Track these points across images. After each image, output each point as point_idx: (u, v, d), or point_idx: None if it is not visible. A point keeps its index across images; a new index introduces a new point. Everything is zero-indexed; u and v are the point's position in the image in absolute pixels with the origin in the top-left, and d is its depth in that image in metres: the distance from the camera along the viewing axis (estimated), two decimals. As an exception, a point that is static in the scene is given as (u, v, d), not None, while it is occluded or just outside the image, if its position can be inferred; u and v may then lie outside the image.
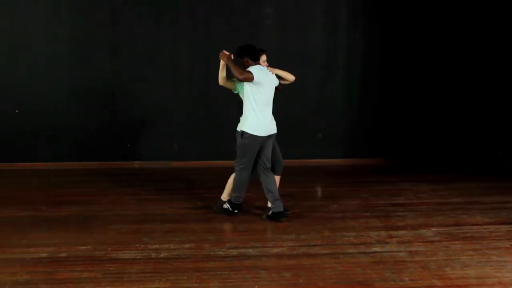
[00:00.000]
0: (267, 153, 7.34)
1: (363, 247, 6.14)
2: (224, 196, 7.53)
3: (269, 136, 7.30)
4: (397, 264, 5.66)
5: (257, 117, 7.14)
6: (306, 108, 10.91)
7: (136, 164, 10.60)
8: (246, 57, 7.22)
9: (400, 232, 6.67)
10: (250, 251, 5.99)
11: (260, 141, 7.17)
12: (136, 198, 8.19)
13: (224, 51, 7.13)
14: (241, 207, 7.43)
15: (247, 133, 7.10)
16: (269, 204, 7.37)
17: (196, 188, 8.81)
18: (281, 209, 7.19)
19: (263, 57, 7.39)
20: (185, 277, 5.26)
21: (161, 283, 5.14)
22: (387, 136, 11.13)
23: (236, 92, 7.55)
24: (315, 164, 10.83)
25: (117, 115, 10.50)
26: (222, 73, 7.26)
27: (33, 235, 6.48)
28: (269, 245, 6.16)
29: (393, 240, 6.38)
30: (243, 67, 7.11)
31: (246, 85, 7.08)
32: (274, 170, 7.54)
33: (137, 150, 10.64)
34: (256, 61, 7.24)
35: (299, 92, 10.77)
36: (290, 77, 7.61)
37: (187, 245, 6.15)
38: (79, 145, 10.52)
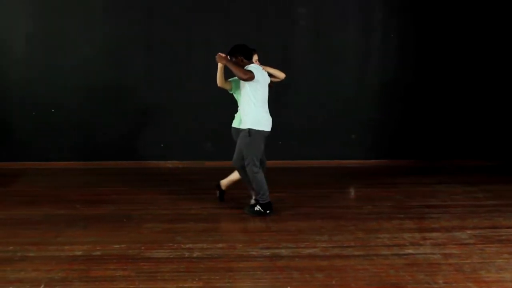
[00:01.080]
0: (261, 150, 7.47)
1: (396, 249, 6.09)
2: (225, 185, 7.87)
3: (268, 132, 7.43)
4: (431, 266, 5.60)
5: (260, 113, 7.29)
6: (340, 108, 10.87)
7: (170, 164, 10.67)
8: (240, 56, 7.34)
9: (434, 234, 6.61)
10: (283, 251, 5.98)
11: (265, 136, 7.35)
12: (170, 198, 8.24)
13: (220, 53, 7.22)
14: (272, 207, 7.41)
15: (254, 129, 7.23)
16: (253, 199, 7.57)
17: (230, 188, 8.81)
18: (268, 199, 7.40)
19: (255, 57, 7.59)
20: (218, 277, 5.27)
21: (194, 282, 5.16)
22: (421, 137, 11.03)
23: (231, 92, 7.70)
24: (348, 165, 10.78)
25: (150, 116, 10.59)
26: (221, 75, 7.40)
27: (68, 233, 6.56)
28: (302, 246, 6.15)
29: (427, 242, 6.32)
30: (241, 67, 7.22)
31: (246, 84, 7.21)
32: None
33: (171, 150, 10.71)
34: (250, 60, 7.39)
35: (333, 92, 10.76)
36: (281, 75, 7.81)
37: (220, 245, 6.16)
38: (114, 144, 10.62)
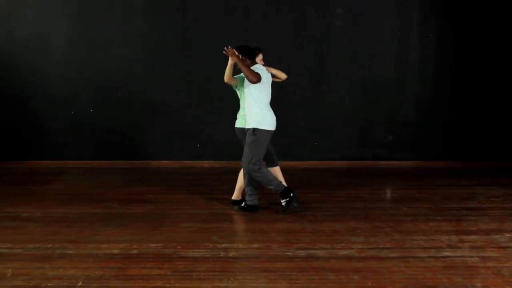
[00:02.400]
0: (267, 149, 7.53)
1: (433, 251, 6.03)
2: (237, 195, 7.75)
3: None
4: (469, 269, 5.53)
5: (265, 113, 7.37)
6: (377, 109, 10.80)
7: (206, 163, 10.72)
8: (244, 56, 7.36)
9: (472, 237, 6.52)
10: (319, 252, 5.96)
11: (270, 136, 7.41)
12: (206, 197, 8.28)
13: (233, 50, 7.23)
14: (295, 191, 7.43)
15: (259, 129, 7.28)
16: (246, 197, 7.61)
17: (265, 188, 8.80)
18: (256, 203, 7.45)
19: (260, 56, 7.64)
20: (253, 277, 5.28)
21: (229, 282, 5.17)
22: (459, 138, 10.90)
23: (235, 89, 7.69)
24: (385, 166, 10.70)
25: (187, 115, 10.65)
26: (230, 71, 7.39)
27: (105, 232, 6.63)
28: (338, 247, 6.12)
29: (464, 245, 6.24)
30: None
31: (250, 84, 7.26)
32: (273, 163, 7.78)
33: (206, 149, 10.76)
34: (253, 60, 7.48)
35: (370, 93, 10.71)
36: (282, 76, 7.86)
37: (256, 245, 6.17)
38: (151, 144, 10.72)
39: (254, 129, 7.29)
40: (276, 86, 10.59)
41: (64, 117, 10.64)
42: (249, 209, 7.46)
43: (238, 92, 7.70)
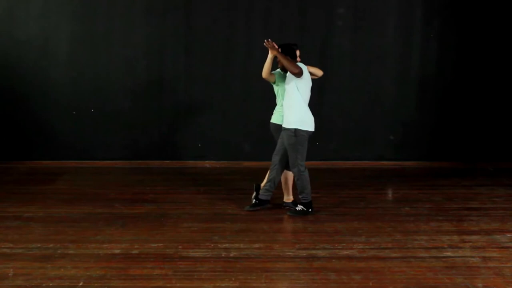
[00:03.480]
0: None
1: (435, 251, 6.04)
2: (288, 197, 7.68)
3: None
4: (470, 269, 5.53)
5: (306, 112, 7.30)
6: (379, 109, 10.79)
7: (208, 163, 10.72)
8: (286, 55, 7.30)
9: (474, 237, 6.52)
10: (320, 252, 5.97)
11: (309, 137, 7.33)
12: (207, 197, 8.28)
13: (273, 43, 7.19)
14: (313, 209, 7.43)
15: (301, 129, 7.21)
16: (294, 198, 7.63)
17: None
18: (268, 198, 7.50)
19: (297, 52, 7.49)
20: (254, 277, 5.28)
21: (231, 282, 5.18)
22: (461, 138, 10.88)
23: (274, 85, 7.58)
24: (387, 167, 10.69)
25: (189, 115, 10.65)
26: (269, 66, 7.34)
27: (107, 232, 6.64)
28: (339, 247, 6.12)
29: (466, 245, 6.24)
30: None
31: (293, 81, 7.19)
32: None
33: (209, 149, 10.75)
34: (295, 59, 7.35)
35: (372, 93, 10.70)
36: (319, 73, 7.73)
37: (257, 245, 6.18)
38: (153, 144, 10.72)
39: (296, 130, 7.21)
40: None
41: (66, 117, 10.63)
42: (307, 206, 7.38)
43: (275, 89, 7.62)
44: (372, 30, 10.68)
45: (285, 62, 7.10)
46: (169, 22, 10.55)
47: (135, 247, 6.11)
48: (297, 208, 7.43)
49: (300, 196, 7.42)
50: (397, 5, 10.66)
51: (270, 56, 7.27)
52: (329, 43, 10.73)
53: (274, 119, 7.63)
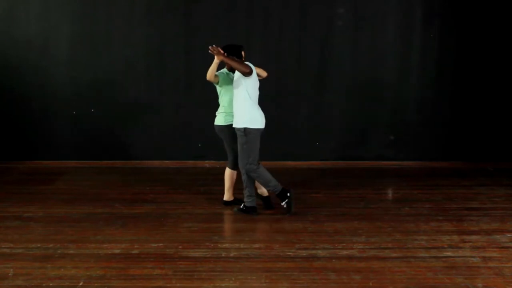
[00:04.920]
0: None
1: (434, 251, 6.04)
2: (228, 197, 7.73)
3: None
4: (470, 269, 5.54)
5: (255, 110, 7.33)
6: (379, 109, 10.78)
7: (208, 163, 10.72)
8: (231, 55, 7.37)
9: (474, 237, 6.53)
10: (320, 252, 5.97)
11: (260, 134, 7.35)
12: (207, 197, 8.27)
13: (219, 48, 7.23)
14: (291, 192, 7.41)
15: (251, 128, 7.22)
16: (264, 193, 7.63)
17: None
18: (254, 205, 7.40)
19: (243, 53, 7.58)
20: (254, 277, 5.29)
21: (231, 282, 5.18)
22: (461, 138, 10.87)
23: (218, 86, 7.57)
24: (387, 166, 10.68)
25: (189, 117, 10.65)
26: (214, 70, 7.37)
27: (107, 232, 6.65)
28: (339, 247, 6.13)
29: (466, 245, 6.25)
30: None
31: (241, 80, 7.25)
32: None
33: (208, 150, 10.75)
34: (241, 59, 7.42)
35: (372, 92, 10.69)
36: (264, 74, 7.82)
37: (257, 245, 6.18)
38: (153, 144, 10.72)
39: (245, 129, 7.23)
40: (277, 86, 10.68)
41: (66, 117, 10.63)
42: (248, 210, 7.42)
43: (218, 90, 7.64)
44: (372, 30, 10.67)
45: (233, 64, 7.18)
46: (169, 22, 10.55)
47: (135, 247, 6.11)
48: (283, 205, 7.43)
49: (271, 190, 7.45)
50: (397, 5, 10.66)
51: (216, 61, 7.29)
52: (329, 43, 10.72)
53: (218, 120, 7.66)
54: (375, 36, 10.69)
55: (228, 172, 7.75)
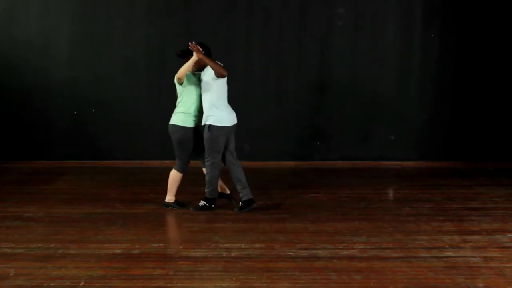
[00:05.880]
0: (233, 144, 7.58)
1: (435, 251, 6.03)
2: (170, 198, 7.69)
3: (234, 127, 7.52)
4: (471, 269, 5.53)
5: (223, 109, 7.37)
6: (379, 109, 10.78)
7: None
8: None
9: (475, 237, 6.52)
10: (321, 252, 5.97)
11: (227, 132, 7.37)
12: (208, 197, 8.27)
13: (198, 46, 7.19)
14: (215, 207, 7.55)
15: (215, 125, 7.27)
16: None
17: (267, 188, 8.83)
18: (251, 196, 7.47)
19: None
20: (255, 277, 5.29)
21: (231, 282, 5.18)
22: (462, 138, 10.86)
23: (181, 86, 7.43)
24: (387, 166, 10.68)
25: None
26: (190, 68, 7.31)
27: (107, 232, 6.65)
28: (340, 247, 6.12)
29: (467, 245, 6.24)
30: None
31: (214, 80, 7.25)
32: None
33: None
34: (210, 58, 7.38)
35: (372, 92, 10.68)
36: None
37: (258, 245, 6.18)
38: (155, 144, 10.72)
39: (210, 126, 7.28)
40: (277, 86, 10.68)
41: (67, 117, 10.64)
42: (246, 204, 7.45)
43: (179, 89, 7.48)
44: (373, 30, 10.67)
45: (211, 63, 7.17)
46: (169, 22, 10.55)
47: (136, 247, 6.11)
48: (199, 204, 7.51)
49: (206, 191, 7.50)
50: (397, 4, 10.65)
51: (194, 58, 7.23)
52: (329, 43, 10.72)
53: (175, 120, 7.51)
54: (375, 36, 10.68)
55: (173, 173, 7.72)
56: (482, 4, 10.60)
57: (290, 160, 10.76)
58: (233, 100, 10.57)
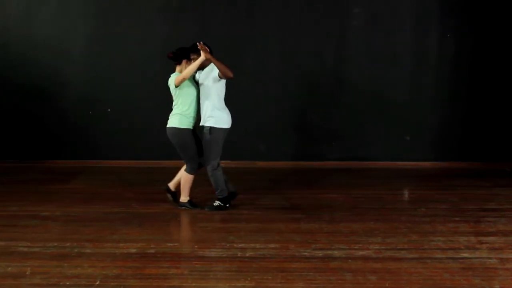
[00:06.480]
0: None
1: (451, 253, 6.00)
2: (184, 198, 7.68)
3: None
4: (487, 271, 5.49)
5: (223, 111, 7.42)
6: (395, 109, 10.75)
7: (223, 163, 10.68)
8: (197, 55, 7.33)
9: (491, 238, 6.48)
10: (336, 252, 5.95)
11: (225, 134, 7.45)
12: (223, 197, 8.28)
13: (205, 46, 7.19)
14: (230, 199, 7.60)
15: (216, 127, 7.30)
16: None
17: (282, 188, 8.83)
18: (234, 190, 7.66)
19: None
20: (270, 277, 5.28)
21: (246, 282, 5.18)
22: (478, 139, 10.82)
23: (177, 88, 7.33)
24: (403, 167, 10.65)
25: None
26: (196, 69, 7.25)
27: (123, 231, 6.67)
28: (355, 248, 6.10)
29: (483, 246, 6.20)
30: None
31: (216, 81, 7.27)
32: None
33: (224, 150, 10.73)
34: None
35: (388, 92, 10.66)
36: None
37: (273, 245, 6.17)
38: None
39: (211, 128, 7.31)
40: (291, 87, 10.67)
41: (83, 117, 10.70)
42: (225, 201, 7.55)
43: (175, 92, 7.39)
44: (388, 30, 10.65)
45: (219, 65, 7.13)
46: (184, 22, 10.57)
47: (151, 246, 6.12)
48: (214, 204, 7.53)
49: (216, 193, 7.54)
50: (413, 5, 10.62)
51: (202, 58, 7.18)
52: (344, 43, 10.71)
53: (173, 123, 7.46)
54: (391, 35, 10.66)
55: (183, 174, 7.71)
56: (497, 4, 10.54)
57: (305, 160, 10.75)
58: (249, 99, 10.67)
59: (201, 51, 7.17)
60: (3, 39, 10.64)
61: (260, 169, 10.48)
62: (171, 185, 7.79)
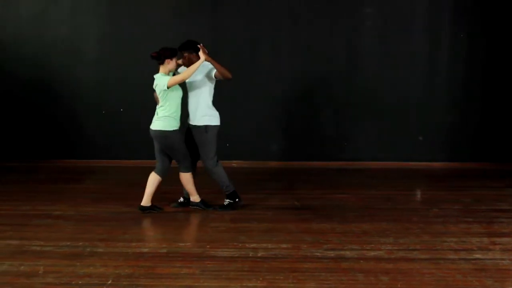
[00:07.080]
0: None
1: (464, 253, 5.97)
2: (194, 198, 7.65)
3: None
4: (500, 272, 5.47)
5: (214, 109, 7.49)
6: (407, 109, 10.73)
7: (235, 163, 10.73)
8: (194, 52, 7.35)
9: (504, 239, 6.45)
10: (348, 253, 5.94)
11: (218, 131, 7.47)
12: (234, 197, 8.28)
13: (204, 48, 7.21)
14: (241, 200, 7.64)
15: (211, 125, 7.36)
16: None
17: (293, 189, 8.82)
18: (233, 189, 7.65)
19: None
20: (282, 277, 5.28)
21: (258, 282, 5.18)
22: (491, 139, 10.78)
23: (168, 90, 7.23)
24: (416, 167, 10.62)
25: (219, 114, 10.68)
26: (195, 70, 7.19)
27: (135, 231, 6.69)
28: (367, 248, 6.09)
29: (496, 247, 6.17)
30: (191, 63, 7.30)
31: (209, 81, 7.34)
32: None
33: (235, 149, 10.76)
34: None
35: (400, 93, 10.64)
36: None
37: (285, 245, 6.17)
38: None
39: (206, 126, 7.36)
40: (304, 86, 10.66)
41: (95, 117, 10.75)
42: (233, 197, 7.58)
43: (163, 93, 7.25)
44: (400, 30, 10.63)
45: (218, 66, 7.20)
46: (196, 23, 10.58)
47: (163, 246, 6.14)
48: (224, 203, 7.57)
49: (224, 190, 7.58)
50: (425, 4, 10.59)
51: (202, 60, 7.15)
52: (357, 44, 10.69)
53: (160, 125, 7.32)
54: (403, 36, 10.63)
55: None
56: (510, 3, 10.48)
57: (316, 160, 10.74)
58: (260, 99, 10.67)
59: (201, 53, 7.21)
60: (15, 39, 10.70)
61: (272, 169, 10.48)
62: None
